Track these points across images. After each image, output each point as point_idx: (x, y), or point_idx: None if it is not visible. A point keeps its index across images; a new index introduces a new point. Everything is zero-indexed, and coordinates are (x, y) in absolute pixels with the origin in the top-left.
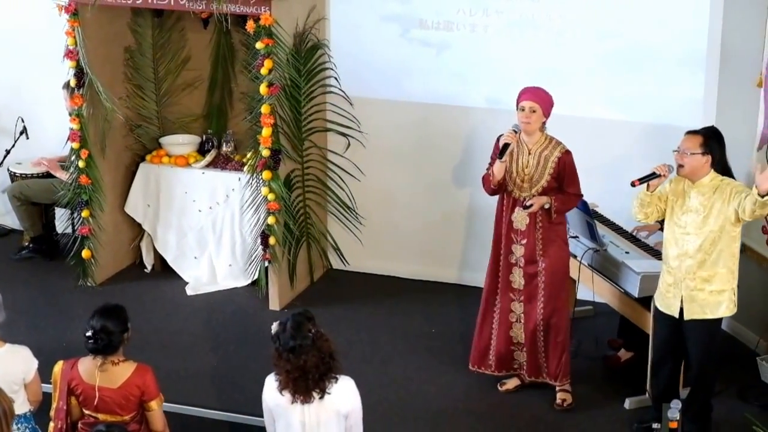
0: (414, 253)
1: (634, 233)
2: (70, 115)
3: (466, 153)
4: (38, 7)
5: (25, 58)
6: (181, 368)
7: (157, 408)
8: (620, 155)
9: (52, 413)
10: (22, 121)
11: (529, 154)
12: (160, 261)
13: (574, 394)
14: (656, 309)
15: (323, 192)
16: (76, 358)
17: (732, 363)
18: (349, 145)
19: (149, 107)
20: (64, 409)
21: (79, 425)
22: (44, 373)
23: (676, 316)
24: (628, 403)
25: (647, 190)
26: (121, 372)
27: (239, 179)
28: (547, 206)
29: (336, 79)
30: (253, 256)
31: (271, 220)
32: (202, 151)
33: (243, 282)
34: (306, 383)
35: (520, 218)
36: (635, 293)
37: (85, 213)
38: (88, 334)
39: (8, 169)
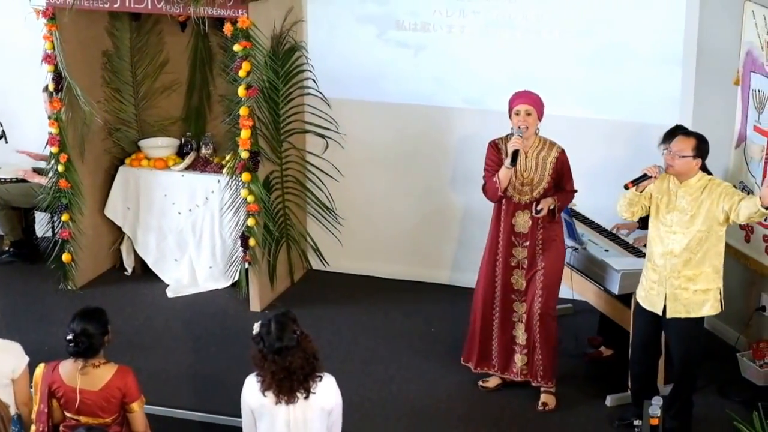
0: (393, 253)
1: (613, 231)
2: (50, 118)
3: (444, 153)
4: (16, 11)
5: (2, 63)
6: (163, 370)
7: (138, 410)
8: (598, 154)
9: (33, 416)
10: (1, 125)
11: (527, 157)
12: (141, 264)
13: (555, 393)
14: (637, 305)
15: (302, 193)
16: (57, 361)
17: (712, 360)
18: (327, 146)
19: (128, 110)
20: (45, 412)
21: (61, 428)
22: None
23: (659, 313)
24: (609, 400)
25: (637, 191)
26: (102, 374)
27: (218, 181)
28: (551, 207)
29: (314, 80)
30: (233, 258)
31: (250, 221)
32: (181, 153)
33: (223, 284)
34: (291, 384)
35: (523, 221)
36: (615, 290)
37: (65, 217)
38: (69, 337)
39: None
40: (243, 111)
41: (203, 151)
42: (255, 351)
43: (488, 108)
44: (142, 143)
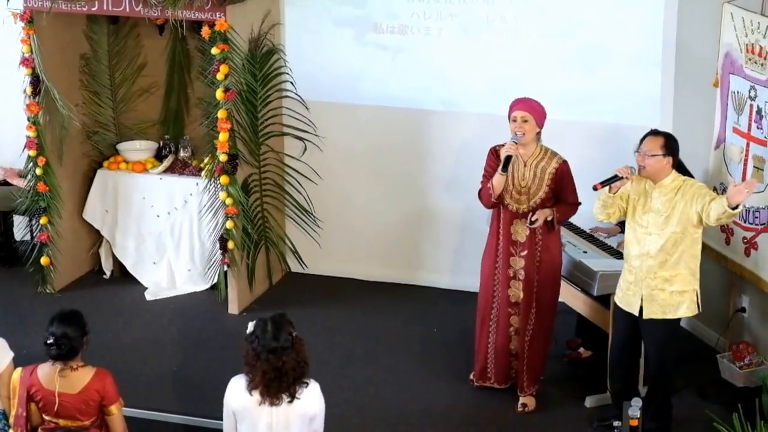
0: (371, 255)
1: (592, 233)
2: (28, 121)
3: (422, 155)
4: None
5: None
6: (142, 373)
7: (117, 412)
8: (578, 156)
9: (11, 420)
10: None
11: (525, 166)
12: (119, 267)
13: (535, 394)
14: (616, 306)
15: (281, 196)
16: (35, 365)
17: (692, 361)
18: (305, 149)
19: (106, 114)
20: (24, 416)
21: (39, 431)
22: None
23: (636, 313)
24: (588, 402)
25: (609, 192)
26: (80, 377)
27: (197, 184)
28: (549, 218)
29: (292, 83)
30: (212, 261)
31: (229, 224)
32: (159, 156)
33: (202, 286)
34: (279, 385)
35: (521, 230)
36: (594, 292)
37: (43, 220)
38: (50, 341)
39: None
40: (221, 114)
41: (181, 154)
42: (248, 349)
43: (466, 110)
44: (121, 146)
